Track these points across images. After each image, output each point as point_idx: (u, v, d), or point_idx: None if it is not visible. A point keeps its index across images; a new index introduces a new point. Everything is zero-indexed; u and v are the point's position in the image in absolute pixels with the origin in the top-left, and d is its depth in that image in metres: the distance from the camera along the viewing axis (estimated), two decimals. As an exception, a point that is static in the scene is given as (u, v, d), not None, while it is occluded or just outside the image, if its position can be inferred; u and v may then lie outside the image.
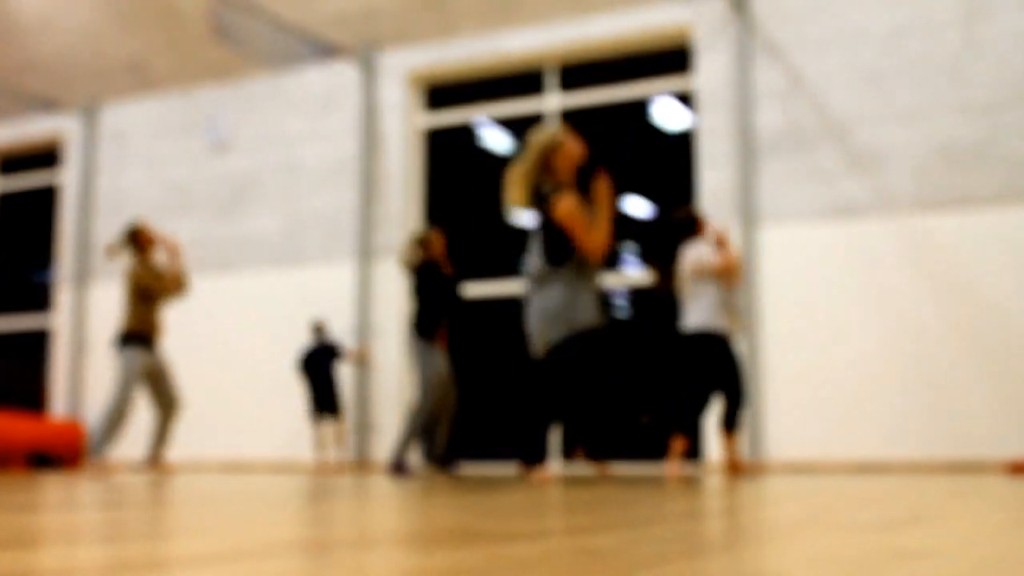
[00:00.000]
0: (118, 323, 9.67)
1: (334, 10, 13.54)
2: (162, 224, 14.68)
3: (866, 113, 11.12)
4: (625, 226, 11.95)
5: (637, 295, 12.35)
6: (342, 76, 13.89)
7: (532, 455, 6.96)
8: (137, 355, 9.48)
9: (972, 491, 4.64)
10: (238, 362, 13.61)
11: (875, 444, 10.60)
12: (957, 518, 2.83)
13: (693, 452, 10.54)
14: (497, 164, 13.97)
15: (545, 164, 7.00)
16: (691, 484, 6.21)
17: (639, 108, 12.77)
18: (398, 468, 9.33)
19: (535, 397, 7.02)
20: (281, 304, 13.67)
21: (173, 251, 9.81)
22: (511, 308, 12.64)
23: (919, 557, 1.81)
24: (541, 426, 6.99)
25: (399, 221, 13.25)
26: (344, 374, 13.06)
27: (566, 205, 6.85)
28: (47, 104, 15.64)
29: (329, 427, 12.81)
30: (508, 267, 12.91)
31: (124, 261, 9.90)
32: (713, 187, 11.60)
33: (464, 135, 13.82)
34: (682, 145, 12.21)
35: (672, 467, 8.29)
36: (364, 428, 12.99)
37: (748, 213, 11.26)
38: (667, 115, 12.71)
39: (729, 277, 8.50)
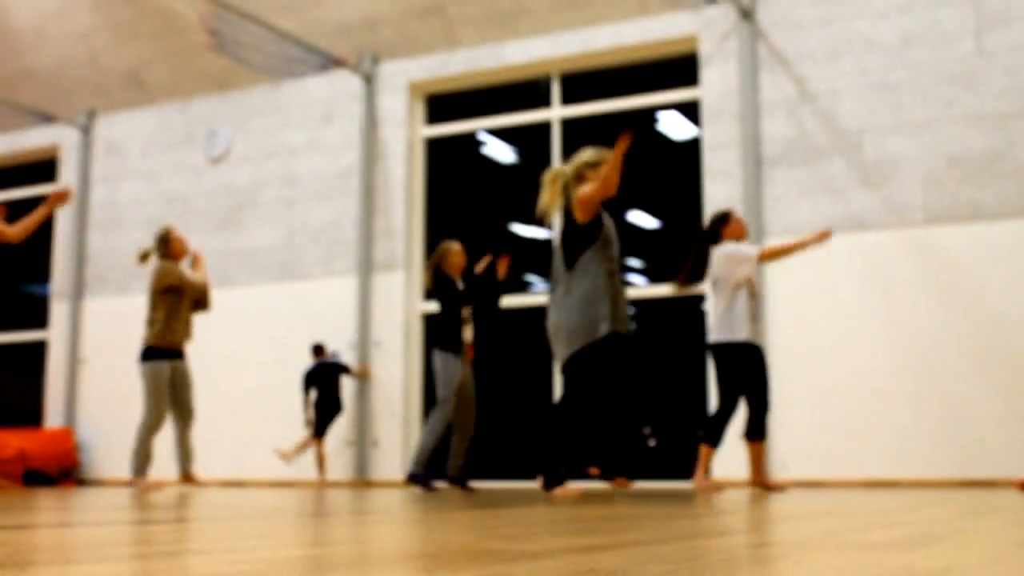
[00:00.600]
0: (143, 333, 9.64)
1: (335, 20, 13.50)
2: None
3: (875, 123, 11.02)
4: (631, 238, 11.89)
5: (644, 306, 12.30)
6: (343, 87, 13.83)
7: (553, 470, 6.94)
8: (160, 369, 9.42)
9: (985, 508, 4.57)
10: (237, 377, 13.51)
11: (884, 460, 10.46)
12: (971, 537, 2.77)
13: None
14: (500, 175, 13.96)
15: (581, 175, 7.08)
16: (717, 498, 6.16)
17: (646, 117, 12.70)
18: (417, 479, 9.20)
19: (554, 410, 7.03)
20: (281, 318, 13.59)
21: (198, 263, 9.81)
22: (516, 320, 12.59)
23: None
24: (562, 440, 6.95)
25: (400, 233, 13.20)
26: (345, 388, 12.98)
27: (585, 187, 6.96)
28: (43, 115, 15.59)
29: (322, 446, 12.81)
30: (514, 280, 12.83)
31: (148, 267, 9.91)
32: (719, 199, 11.50)
33: (466, 146, 13.77)
34: (688, 155, 12.15)
35: (701, 478, 8.20)
36: (364, 443, 12.92)
37: (755, 225, 11.17)
38: (673, 125, 12.65)
39: (783, 255, 8.44)
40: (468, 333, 9.54)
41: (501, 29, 12.89)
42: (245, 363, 13.54)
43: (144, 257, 9.77)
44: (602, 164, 7.00)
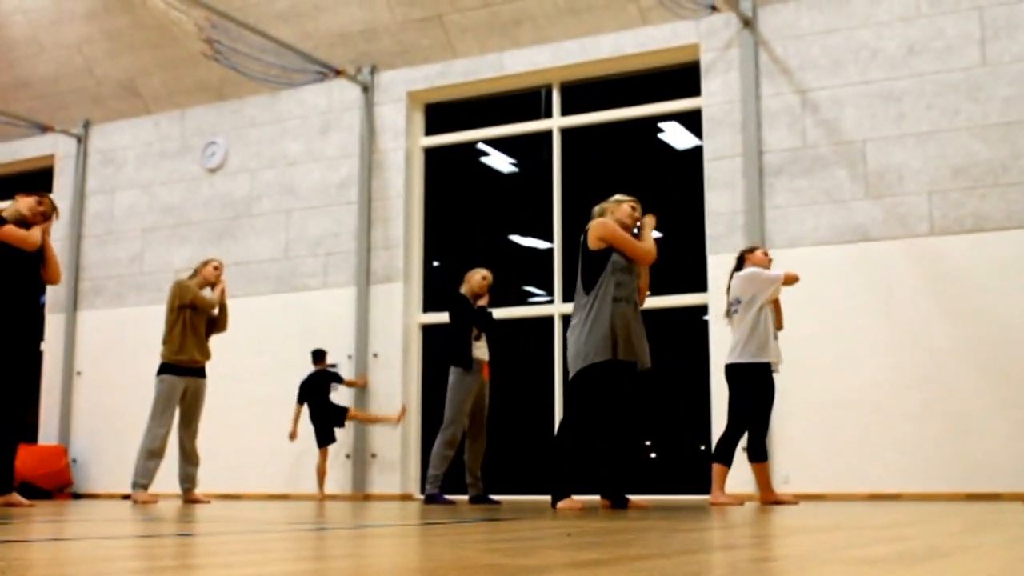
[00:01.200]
0: (160, 349, 9.70)
1: (333, 30, 13.46)
2: (155, 249, 14.57)
3: (878, 133, 10.95)
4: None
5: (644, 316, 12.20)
6: (341, 96, 13.78)
7: (558, 484, 7.11)
8: (171, 384, 9.47)
9: (990, 523, 4.50)
10: (235, 389, 13.41)
11: (888, 474, 10.36)
12: (976, 552, 2.71)
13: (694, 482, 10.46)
14: (499, 185, 13.91)
15: (603, 214, 7.55)
16: (730, 512, 6.11)
17: (647, 127, 12.66)
18: (434, 499, 9.35)
19: (563, 425, 7.29)
20: (279, 330, 13.51)
21: (220, 289, 9.86)
22: (517, 332, 12.53)
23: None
24: (568, 454, 7.16)
25: (399, 244, 13.13)
26: (343, 400, 12.90)
27: (602, 220, 7.39)
28: (39, 125, 15.52)
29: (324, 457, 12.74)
30: (513, 291, 12.80)
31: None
32: (721, 209, 11.46)
33: (465, 156, 13.72)
34: (690, 166, 12.09)
35: (717, 496, 8.31)
36: (364, 457, 12.84)
37: (758, 236, 11.09)
38: (674, 135, 12.59)
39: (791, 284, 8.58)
40: (483, 351, 9.58)
41: (501, 38, 12.84)
42: (243, 375, 13.45)
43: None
44: (624, 203, 7.51)
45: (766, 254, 8.76)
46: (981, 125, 10.56)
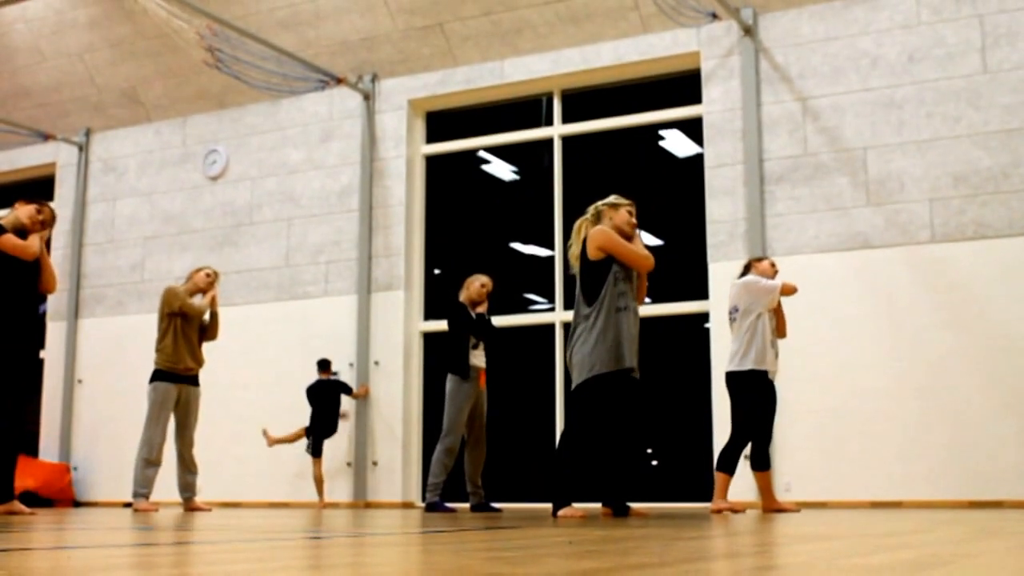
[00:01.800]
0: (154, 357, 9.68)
1: (334, 38, 13.46)
2: (156, 257, 14.56)
3: (879, 141, 10.94)
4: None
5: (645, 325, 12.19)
6: (342, 104, 13.78)
7: (559, 492, 7.10)
8: (164, 391, 9.43)
9: (993, 531, 4.48)
10: (235, 397, 13.40)
11: (890, 482, 10.33)
12: (978, 560, 2.69)
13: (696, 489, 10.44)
14: (500, 193, 13.90)
15: (599, 217, 7.43)
16: (732, 520, 6.09)
17: (648, 135, 12.65)
18: (434, 507, 9.38)
19: (564, 434, 7.27)
20: (280, 338, 13.50)
21: (210, 296, 9.83)
22: (518, 339, 12.50)
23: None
24: (568, 463, 7.14)
25: (400, 252, 13.11)
26: (344, 408, 12.88)
27: (600, 229, 7.27)
28: (40, 133, 15.51)
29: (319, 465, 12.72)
30: (513, 298, 12.78)
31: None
32: (722, 217, 11.45)
33: (466, 163, 13.71)
34: (690, 173, 12.07)
35: (718, 503, 8.29)
36: (365, 465, 12.82)
37: (758, 244, 11.08)
38: (675, 143, 12.58)
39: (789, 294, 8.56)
40: (480, 358, 9.57)
41: (501, 46, 12.84)
42: (243, 383, 13.43)
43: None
44: (621, 206, 7.38)
45: (773, 265, 8.75)
46: (982, 132, 10.55)
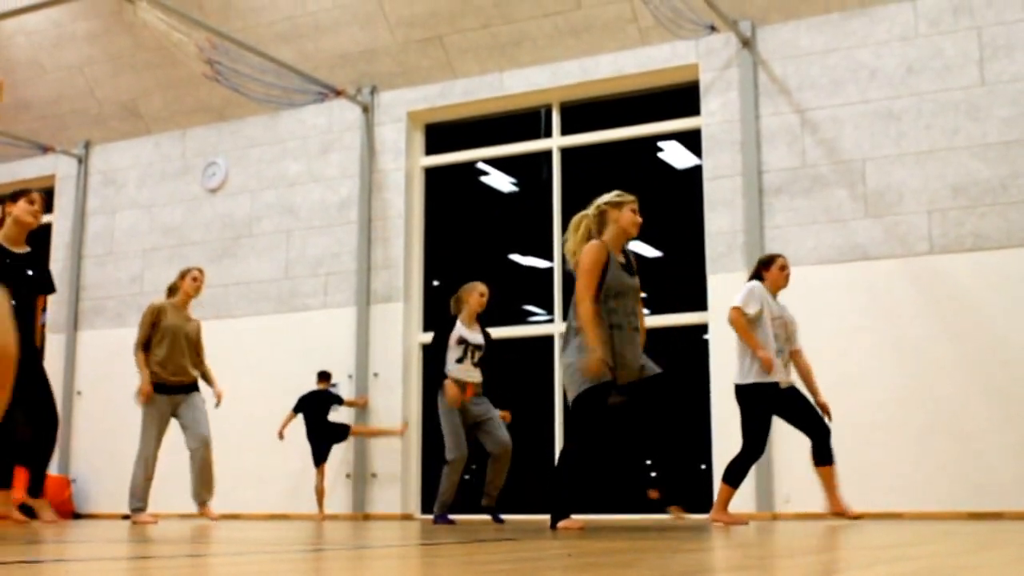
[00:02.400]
0: None
1: (334, 50, 13.47)
2: (156, 269, 14.54)
3: (877, 153, 10.95)
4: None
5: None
6: (341, 117, 13.79)
7: (558, 504, 7.01)
8: (157, 403, 9.32)
9: (994, 542, 4.47)
10: (234, 409, 13.34)
11: (890, 493, 10.31)
12: (979, 572, 2.68)
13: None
14: (499, 205, 13.91)
15: (603, 213, 7.28)
16: (733, 532, 6.08)
17: (646, 146, 12.66)
18: (439, 520, 9.39)
19: (565, 446, 7.20)
20: (279, 350, 13.49)
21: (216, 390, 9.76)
22: (516, 351, 12.50)
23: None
24: (565, 476, 7.04)
25: (399, 264, 13.12)
26: (344, 419, 12.86)
27: (593, 248, 7.08)
28: (40, 146, 15.51)
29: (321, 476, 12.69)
30: (512, 310, 12.78)
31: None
32: (720, 228, 11.45)
33: (465, 175, 13.72)
34: (689, 185, 12.07)
35: (719, 514, 8.15)
36: (364, 476, 12.80)
37: (756, 255, 11.06)
38: (674, 155, 12.59)
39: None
40: (466, 373, 9.51)
41: (500, 59, 12.86)
42: (242, 395, 13.38)
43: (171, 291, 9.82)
44: (624, 204, 7.23)
45: (783, 268, 8.52)
46: (980, 144, 10.56)
